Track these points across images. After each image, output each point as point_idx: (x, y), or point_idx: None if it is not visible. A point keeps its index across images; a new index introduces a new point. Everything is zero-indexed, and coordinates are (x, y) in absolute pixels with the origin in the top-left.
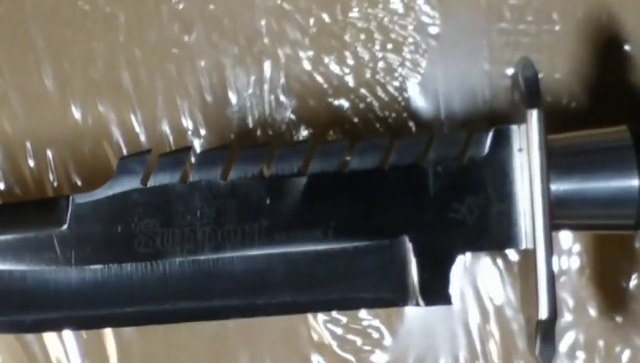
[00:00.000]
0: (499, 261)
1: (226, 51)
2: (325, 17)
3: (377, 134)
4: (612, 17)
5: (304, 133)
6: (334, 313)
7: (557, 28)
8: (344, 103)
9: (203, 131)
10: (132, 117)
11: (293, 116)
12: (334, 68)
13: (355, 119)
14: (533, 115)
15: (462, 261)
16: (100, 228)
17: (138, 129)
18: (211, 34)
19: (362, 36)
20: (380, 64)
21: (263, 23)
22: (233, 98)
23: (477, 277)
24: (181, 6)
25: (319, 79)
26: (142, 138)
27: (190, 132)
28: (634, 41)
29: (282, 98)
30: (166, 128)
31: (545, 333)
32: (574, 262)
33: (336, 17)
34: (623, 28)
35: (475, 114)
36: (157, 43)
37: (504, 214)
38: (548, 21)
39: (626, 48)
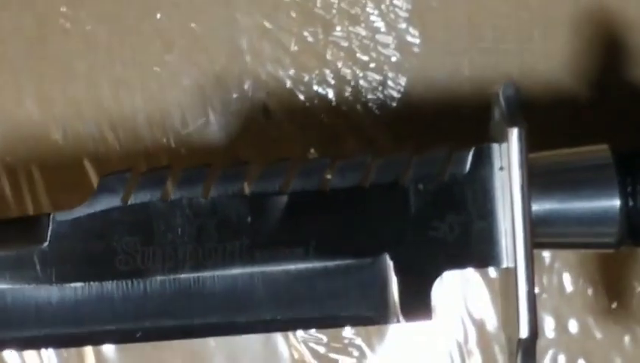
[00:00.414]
0: (481, 278)
1: (207, 70)
2: (307, 35)
3: (357, 152)
4: (594, 37)
5: (285, 151)
6: (315, 331)
7: (538, 48)
8: (325, 121)
9: (184, 150)
10: (113, 135)
11: (274, 135)
12: (316, 87)
13: (336, 138)
14: (514, 133)
15: (443, 278)
16: (81, 245)
17: (119, 147)
18: (192, 52)
19: (343, 55)
20: (362, 83)
21: (244, 41)
22: (214, 117)
23: (459, 295)
24: (162, 24)
25: (301, 97)
26: (123, 156)
27: (171, 150)
28: (615, 61)
29: (263, 117)
30: (147, 146)
31: (526, 351)
32: (555, 281)
33: (317, 36)
34: (605, 49)
35: (456, 132)
36: (138, 61)
37: (486, 232)
38: (529, 41)
39: (608, 68)
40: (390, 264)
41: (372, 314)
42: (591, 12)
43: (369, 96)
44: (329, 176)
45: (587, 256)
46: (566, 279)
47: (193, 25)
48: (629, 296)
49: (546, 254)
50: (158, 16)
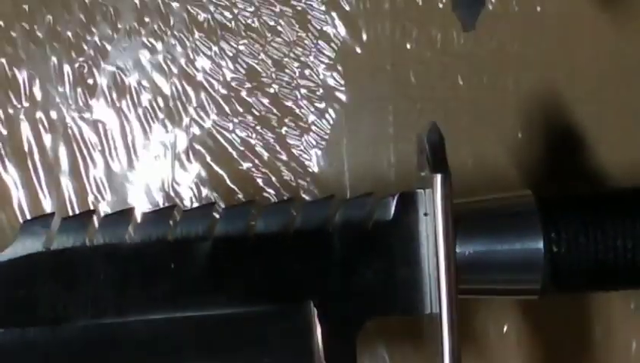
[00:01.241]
0: (407, 325)
1: (131, 115)
2: (231, 81)
3: (281, 198)
4: (517, 82)
5: (209, 197)
6: None
7: (462, 93)
8: (249, 167)
9: (107, 196)
10: (36, 181)
11: (197, 181)
12: (239, 132)
13: (260, 183)
14: (438, 179)
15: (369, 325)
16: (3, 291)
17: (41, 193)
18: (116, 97)
19: (268, 100)
20: (285, 129)
21: (169, 86)
22: (137, 163)
23: (384, 342)
24: (85, 69)
25: (224, 142)
26: (46, 202)
27: (94, 196)
28: (535, 105)
29: (187, 163)
30: (70, 192)
31: None
32: (480, 327)
33: (242, 82)
34: (527, 94)
35: (381, 179)
36: (61, 106)
37: (411, 279)
38: (453, 87)
39: (529, 112)
40: (314, 310)
41: (296, 360)
42: (516, 57)
43: (292, 142)
44: (253, 222)
45: (511, 303)
46: (491, 326)
47: (116, 70)
48: (552, 344)
49: (471, 300)
50: (81, 60)
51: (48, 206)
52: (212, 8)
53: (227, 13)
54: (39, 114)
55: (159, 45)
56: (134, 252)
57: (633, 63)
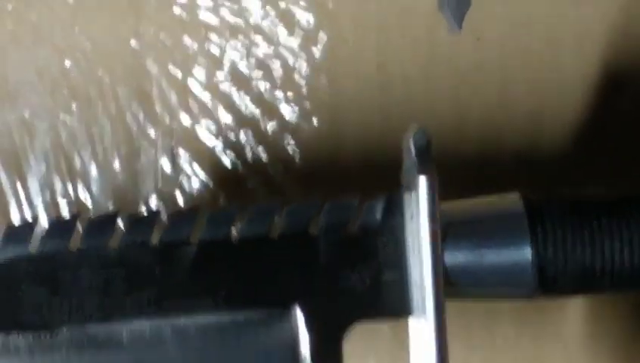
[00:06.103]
0: (394, 329)
1: (116, 118)
2: (216, 82)
3: (266, 201)
4: (502, 85)
5: (194, 199)
6: None
7: (448, 98)
8: (234, 169)
9: (91, 201)
10: (19, 184)
11: (181, 183)
12: (224, 134)
13: (245, 186)
14: (423, 181)
15: (355, 330)
16: None
17: (25, 197)
18: (100, 100)
19: (252, 102)
20: (270, 130)
21: (154, 89)
22: (121, 167)
23: (371, 346)
24: (70, 72)
25: (209, 145)
26: (27, 206)
27: (78, 201)
28: (521, 110)
29: (171, 165)
30: (55, 195)
31: None
32: (465, 332)
33: (226, 83)
34: (512, 97)
35: (367, 182)
36: (46, 108)
37: (397, 283)
38: (439, 92)
39: (513, 118)
40: (300, 315)
41: None
42: (500, 60)
43: (277, 144)
44: (238, 226)
45: (498, 308)
46: (476, 330)
47: (101, 73)
48: (542, 348)
49: (458, 305)
50: (67, 64)
51: (32, 209)
52: (197, 8)
53: (212, 13)
54: (24, 116)
55: (141, 46)
56: (118, 257)
57: (621, 68)
